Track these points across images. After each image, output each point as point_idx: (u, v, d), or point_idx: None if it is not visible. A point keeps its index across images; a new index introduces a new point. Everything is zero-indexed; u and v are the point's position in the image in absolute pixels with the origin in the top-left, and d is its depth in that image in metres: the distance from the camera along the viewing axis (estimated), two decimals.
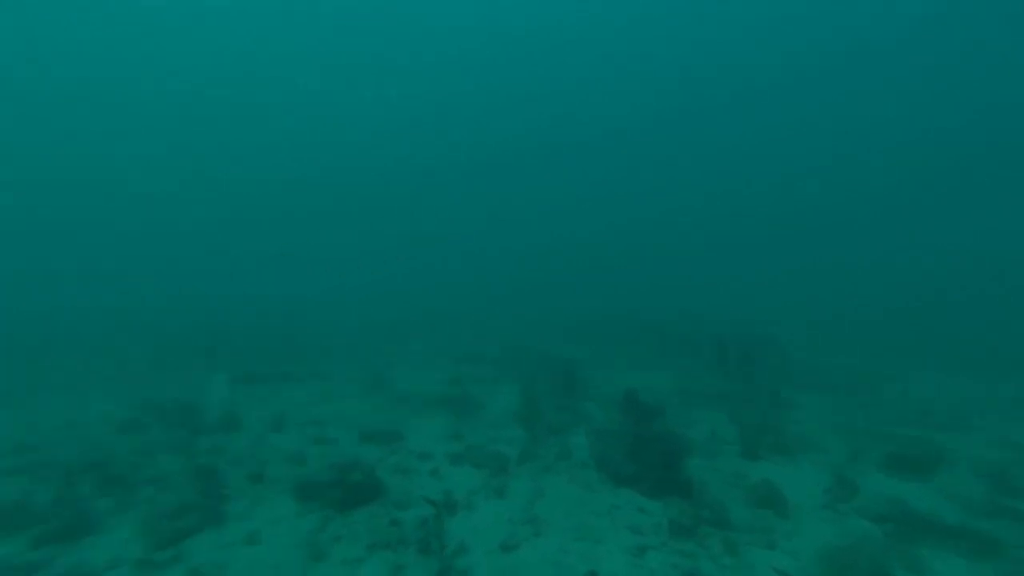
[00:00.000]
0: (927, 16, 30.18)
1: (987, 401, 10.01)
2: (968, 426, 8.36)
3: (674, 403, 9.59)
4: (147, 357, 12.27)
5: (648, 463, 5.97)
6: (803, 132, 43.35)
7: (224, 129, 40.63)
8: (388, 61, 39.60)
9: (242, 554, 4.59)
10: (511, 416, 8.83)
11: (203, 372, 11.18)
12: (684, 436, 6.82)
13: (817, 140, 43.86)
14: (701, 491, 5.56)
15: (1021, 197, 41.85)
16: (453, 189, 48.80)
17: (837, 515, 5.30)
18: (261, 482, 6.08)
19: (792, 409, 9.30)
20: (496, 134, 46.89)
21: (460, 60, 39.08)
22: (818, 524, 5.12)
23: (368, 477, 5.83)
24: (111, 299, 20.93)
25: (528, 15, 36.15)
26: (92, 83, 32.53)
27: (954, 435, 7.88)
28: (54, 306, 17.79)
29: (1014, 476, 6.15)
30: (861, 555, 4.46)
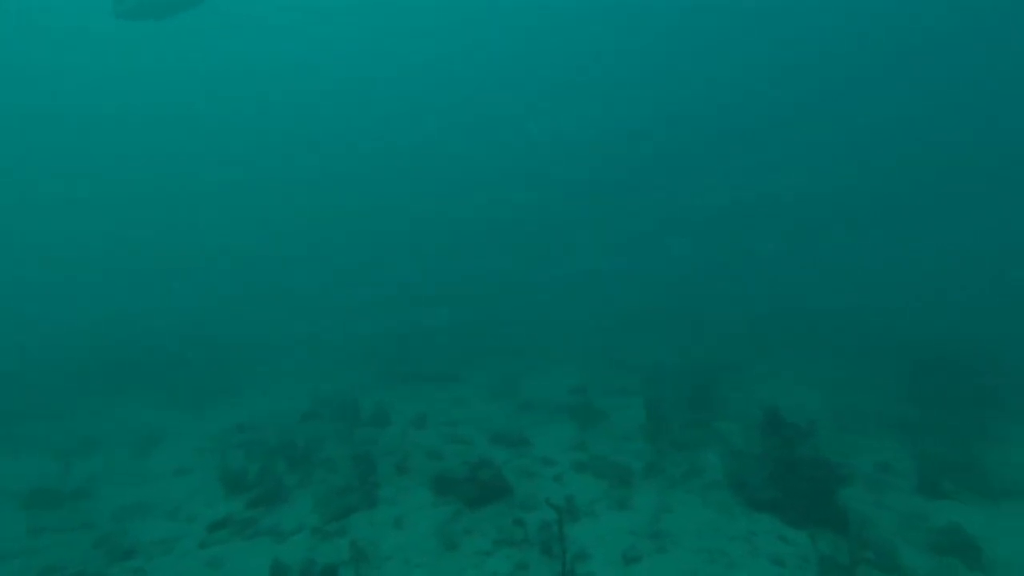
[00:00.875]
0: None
1: None
2: None
3: (827, 424, 8.35)
4: (322, 359, 14.73)
5: (793, 489, 5.34)
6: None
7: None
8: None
9: (390, 535, 5.28)
10: (637, 429, 8.59)
11: (363, 372, 13.00)
12: (840, 464, 5.93)
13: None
14: (862, 527, 4.79)
15: None
16: (604, 194, 48.56)
17: None
18: (405, 473, 6.89)
19: (1002, 444, 7.41)
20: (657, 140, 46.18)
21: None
22: None
23: (496, 477, 6.22)
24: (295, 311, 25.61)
25: None
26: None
27: None
28: (256, 320, 22.39)
29: None
30: None
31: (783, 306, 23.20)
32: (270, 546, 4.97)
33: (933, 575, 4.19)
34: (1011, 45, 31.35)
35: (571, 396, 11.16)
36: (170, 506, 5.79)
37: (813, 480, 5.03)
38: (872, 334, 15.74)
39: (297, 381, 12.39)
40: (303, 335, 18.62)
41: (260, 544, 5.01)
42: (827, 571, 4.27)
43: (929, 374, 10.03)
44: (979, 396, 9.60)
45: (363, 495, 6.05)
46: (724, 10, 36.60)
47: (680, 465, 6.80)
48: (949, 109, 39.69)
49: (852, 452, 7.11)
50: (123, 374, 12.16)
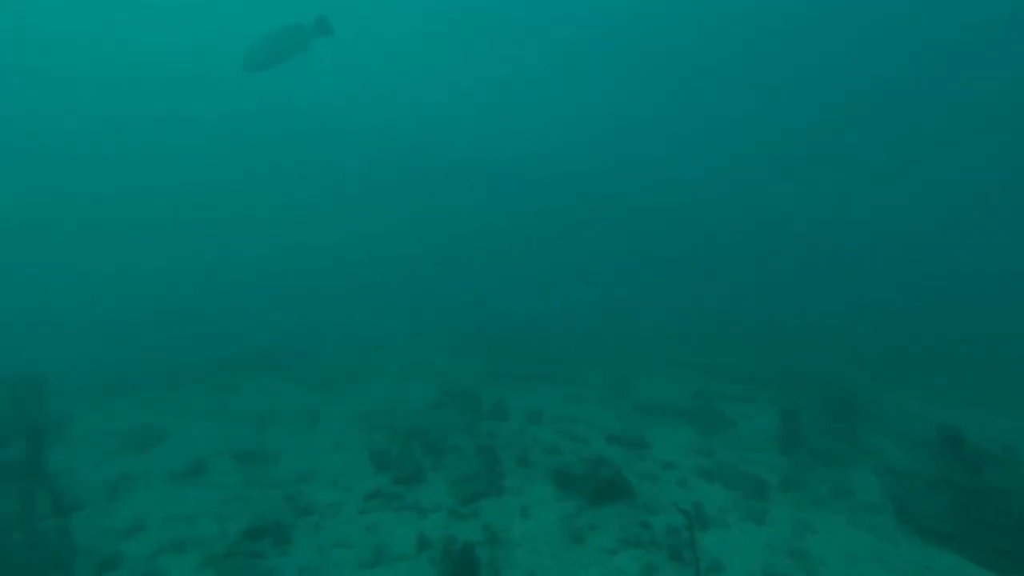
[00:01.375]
0: None
1: None
2: None
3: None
4: (447, 352, 15.93)
5: (983, 523, 4.55)
6: None
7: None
8: None
9: (518, 523, 5.57)
10: (770, 438, 7.94)
11: (475, 368, 13.77)
12: None
13: None
14: None
15: None
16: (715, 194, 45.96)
17: None
18: (526, 465, 7.18)
19: None
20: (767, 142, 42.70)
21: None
22: None
23: (616, 476, 6.23)
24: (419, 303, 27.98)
25: None
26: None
27: None
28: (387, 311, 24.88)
29: None
30: None
31: (904, 322, 19.64)
32: (414, 520, 5.56)
33: None
34: None
35: (689, 401, 10.67)
36: (331, 476, 6.76)
37: (1011, 516, 4.24)
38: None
39: (415, 374, 13.55)
40: (416, 332, 20.26)
41: (406, 517, 5.62)
42: None
43: None
44: None
45: (490, 483, 6.46)
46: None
47: (824, 481, 6.16)
48: None
49: None
50: (274, 361, 14.33)
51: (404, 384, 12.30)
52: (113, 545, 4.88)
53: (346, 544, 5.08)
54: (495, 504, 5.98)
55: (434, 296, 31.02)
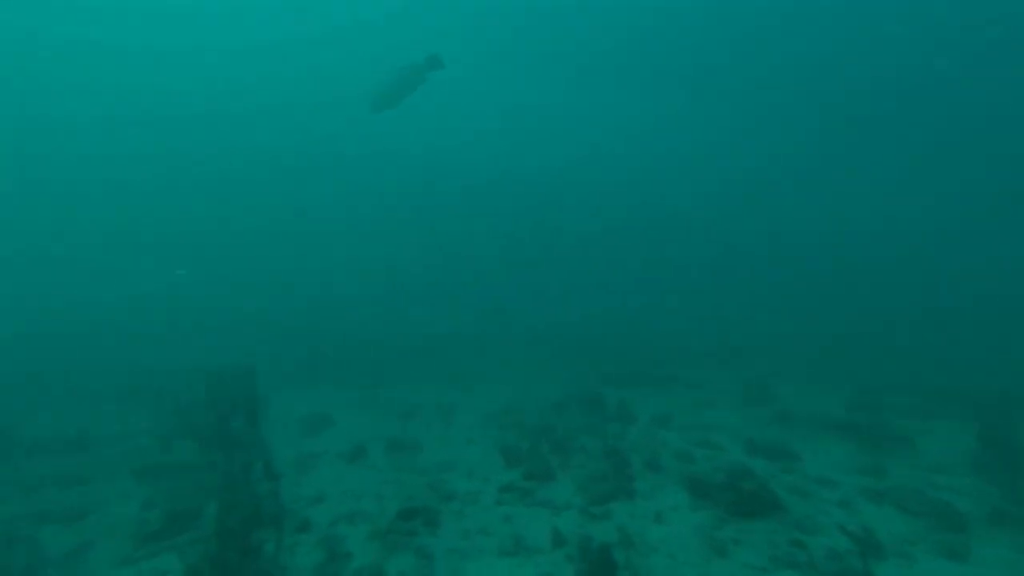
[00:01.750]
0: None
1: None
2: None
3: None
4: (564, 354, 16.12)
5: None
6: None
7: None
8: None
9: (652, 528, 5.43)
10: (962, 460, 6.62)
11: (600, 370, 13.66)
12: None
13: None
14: None
15: None
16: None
17: None
18: (657, 470, 6.95)
19: None
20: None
21: None
22: None
23: (761, 489, 5.72)
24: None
25: None
26: None
27: None
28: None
29: None
30: None
31: None
32: (547, 516, 5.74)
33: None
34: None
35: (845, 412, 9.36)
36: (468, 467, 7.27)
37: None
38: None
39: (536, 374, 13.88)
40: (534, 335, 20.70)
41: (539, 512, 5.83)
42: None
43: None
44: None
45: (619, 486, 6.38)
46: None
47: None
48: None
49: None
50: (412, 360, 15.77)
51: (527, 384, 12.71)
52: (304, 510, 5.88)
53: (486, 532, 5.44)
54: (626, 507, 5.90)
55: (550, 300, 31.57)
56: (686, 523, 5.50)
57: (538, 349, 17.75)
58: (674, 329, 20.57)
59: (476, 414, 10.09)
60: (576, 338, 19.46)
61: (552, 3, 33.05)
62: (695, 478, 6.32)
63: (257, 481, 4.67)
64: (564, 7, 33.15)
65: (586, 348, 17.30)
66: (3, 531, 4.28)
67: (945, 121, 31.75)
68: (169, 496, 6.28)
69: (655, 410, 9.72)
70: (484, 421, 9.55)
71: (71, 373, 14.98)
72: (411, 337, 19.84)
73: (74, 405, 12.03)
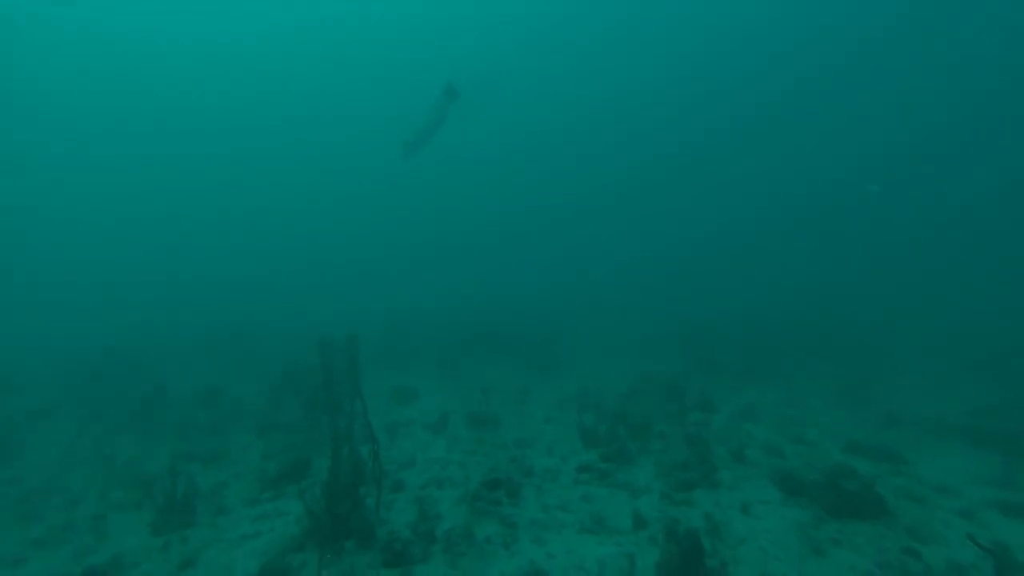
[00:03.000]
0: None
1: None
2: None
3: None
4: (641, 341, 15.78)
5: None
6: None
7: None
8: None
9: (740, 520, 5.25)
10: None
11: (679, 358, 13.23)
12: None
13: None
14: None
15: None
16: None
17: None
18: (742, 462, 6.67)
19: None
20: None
21: None
22: None
23: (865, 490, 5.30)
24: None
25: None
26: None
27: None
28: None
29: None
30: None
31: None
32: (627, 498, 5.75)
33: None
34: None
35: (969, 416, 8.32)
36: (545, 445, 7.44)
37: None
38: None
39: (611, 359, 13.72)
40: (609, 323, 20.37)
41: (618, 494, 5.85)
42: None
43: None
44: None
45: (702, 474, 6.21)
46: None
47: None
48: None
49: None
50: (492, 342, 16.19)
51: (603, 368, 12.64)
52: (397, 473, 6.39)
53: (566, 508, 5.57)
54: (711, 496, 5.75)
55: (630, 287, 31.05)
56: (778, 518, 5.25)
57: (616, 335, 17.53)
58: (768, 318, 19.26)
59: (553, 395, 10.25)
60: (656, 325, 18.95)
61: None
62: (786, 473, 5.98)
63: (359, 441, 5.13)
64: None
65: (666, 335, 16.77)
66: (170, 464, 5.13)
67: None
68: (283, 448, 7.10)
69: (740, 401, 9.28)
70: (562, 402, 9.67)
71: (212, 340, 17.52)
72: (499, 323, 20.39)
73: (211, 368, 13.98)
